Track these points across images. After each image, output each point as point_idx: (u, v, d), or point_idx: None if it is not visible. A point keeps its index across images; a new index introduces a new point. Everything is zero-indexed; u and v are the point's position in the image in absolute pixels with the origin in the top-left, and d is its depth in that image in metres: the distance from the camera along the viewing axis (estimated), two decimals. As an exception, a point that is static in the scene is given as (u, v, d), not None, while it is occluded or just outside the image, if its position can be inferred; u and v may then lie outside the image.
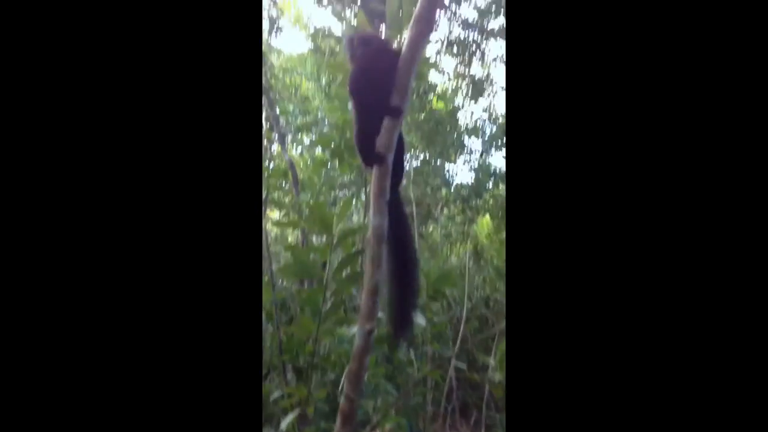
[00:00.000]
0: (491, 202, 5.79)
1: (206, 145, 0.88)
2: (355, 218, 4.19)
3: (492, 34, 5.48)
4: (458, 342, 3.68)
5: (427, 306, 2.53)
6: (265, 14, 4.85)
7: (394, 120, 1.51)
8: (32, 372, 0.79)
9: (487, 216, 6.18)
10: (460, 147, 5.47)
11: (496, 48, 5.99)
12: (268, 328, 2.50)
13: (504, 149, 5.47)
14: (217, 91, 0.89)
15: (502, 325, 4.95)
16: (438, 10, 1.46)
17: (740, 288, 0.78)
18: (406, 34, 1.48)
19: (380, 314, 1.98)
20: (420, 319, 1.98)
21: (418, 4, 1.44)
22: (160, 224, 0.85)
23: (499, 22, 5.57)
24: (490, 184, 5.62)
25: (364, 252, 1.89)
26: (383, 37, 1.76)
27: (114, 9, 0.85)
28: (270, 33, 4.97)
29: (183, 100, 0.87)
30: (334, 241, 1.83)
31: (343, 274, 1.90)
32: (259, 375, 0.97)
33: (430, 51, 5.56)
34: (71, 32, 0.84)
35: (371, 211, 1.54)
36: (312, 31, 5.10)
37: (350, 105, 1.76)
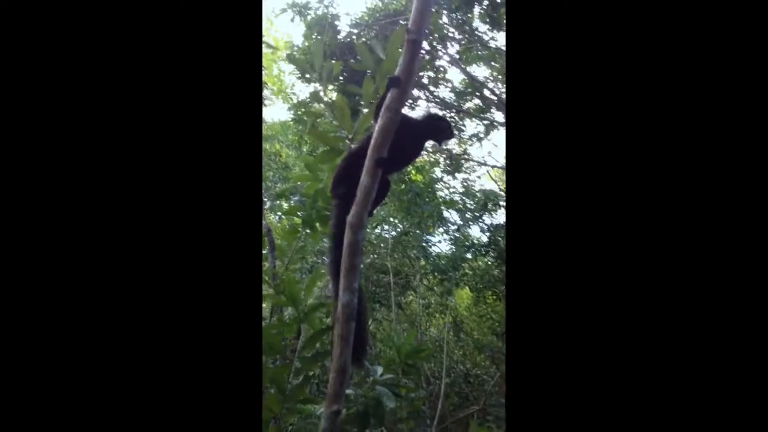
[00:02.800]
0: (470, 273, 5.79)
1: (205, 203, 0.88)
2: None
3: (468, 113, 5.76)
4: (436, 420, 3.52)
5: (399, 381, 2.43)
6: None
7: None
8: (32, 374, 0.80)
9: (467, 288, 6.15)
10: (439, 219, 5.55)
11: (471, 126, 6.30)
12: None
13: (480, 222, 5.58)
14: (217, 149, 0.90)
15: (482, 401, 4.78)
16: (407, 100, 1.50)
17: (740, 286, 0.78)
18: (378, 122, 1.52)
19: (349, 391, 1.89)
20: (389, 401, 1.88)
21: (388, 95, 1.49)
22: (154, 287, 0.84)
23: (474, 102, 5.88)
24: (469, 255, 5.65)
25: (332, 329, 1.84)
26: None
27: (121, 58, 0.87)
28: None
29: (183, 150, 0.88)
30: (301, 316, 1.78)
31: (311, 352, 1.83)
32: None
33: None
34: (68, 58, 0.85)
35: (341, 288, 1.50)
36: (295, 102, 5.27)
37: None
